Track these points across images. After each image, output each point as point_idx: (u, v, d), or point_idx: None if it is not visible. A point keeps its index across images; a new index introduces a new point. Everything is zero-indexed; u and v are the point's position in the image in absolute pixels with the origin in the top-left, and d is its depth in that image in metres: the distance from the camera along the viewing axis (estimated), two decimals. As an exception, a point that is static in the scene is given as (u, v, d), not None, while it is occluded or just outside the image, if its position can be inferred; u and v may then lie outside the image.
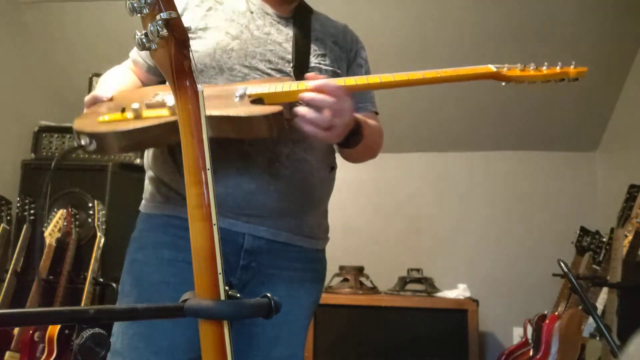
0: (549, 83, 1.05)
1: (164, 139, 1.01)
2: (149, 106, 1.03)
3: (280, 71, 1.15)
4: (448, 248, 3.28)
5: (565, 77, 1.04)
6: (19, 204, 2.64)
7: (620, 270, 2.08)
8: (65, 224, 2.53)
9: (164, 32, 0.66)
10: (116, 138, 0.99)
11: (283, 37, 1.19)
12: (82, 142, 0.98)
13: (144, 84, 1.26)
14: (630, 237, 2.16)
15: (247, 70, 1.14)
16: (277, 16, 1.22)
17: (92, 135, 0.98)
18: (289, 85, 1.04)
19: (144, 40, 0.67)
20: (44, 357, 2.26)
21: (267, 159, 1.10)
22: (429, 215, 3.35)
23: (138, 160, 2.70)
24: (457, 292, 2.77)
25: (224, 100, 1.01)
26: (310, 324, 1.27)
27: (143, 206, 1.22)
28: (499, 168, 3.33)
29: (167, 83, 1.14)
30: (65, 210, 2.53)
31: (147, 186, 1.23)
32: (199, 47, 1.14)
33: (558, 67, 1.03)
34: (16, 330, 2.30)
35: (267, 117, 0.96)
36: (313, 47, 1.21)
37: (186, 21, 0.69)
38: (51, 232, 2.46)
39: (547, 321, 2.54)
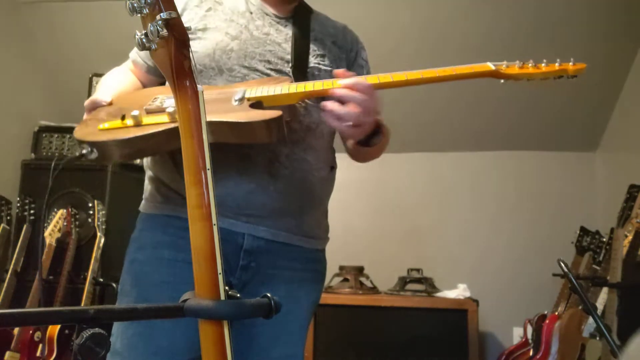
0: (548, 81, 1.05)
1: (164, 145, 1.01)
2: (149, 112, 1.03)
3: (279, 71, 1.15)
4: (448, 248, 3.28)
5: (564, 74, 1.03)
6: (19, 204, 2.65)
7: (620, 270, 2.08)
8: (65, 224, 2.53)
9: (164, 32, 0.66)
10: (117, 146, 0.99)
11: (282, 37, 1.19)
12: (84, 151, 0.98)
13: (144, 84, 1.26)
14: (630, 237, 2.16)
15: (247, 71, 1.14)
16: (277, 16, 1.22)
17: (93, 144, 0.99)
18: (287, 88, 1.04)
19: (144, 40, 0.67)
20: (44, 357, 2.26)
21: (267, 159, 1.10)
22: (429, 215, 3.35)
23: (138, 160, 2.70)
24: (457, 292, 2.77)
25: (222, 104, 1.01)
26: (310, 324, 1.27)
27: (143, 206, 1.22)
28: (499, 168, 3.33)
29: (166, 83, 1.14)
30: (65, 210, 2.53)
31: (147, 186, 1.23)
32: (198, 47, 1.14)
33: (557, 64, 1.03)
34: (16, 330, 2.30)
35: (267, 122, 0.96)
36: (312, 47, 1.21)
37: (185, 22, 0.69)
38: (51, 232, 2.46)
39: (547, 321, 2.54)
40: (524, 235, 3.21)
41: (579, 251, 2.77)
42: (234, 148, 1.08)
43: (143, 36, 0.67)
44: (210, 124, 0.93)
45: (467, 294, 2.77)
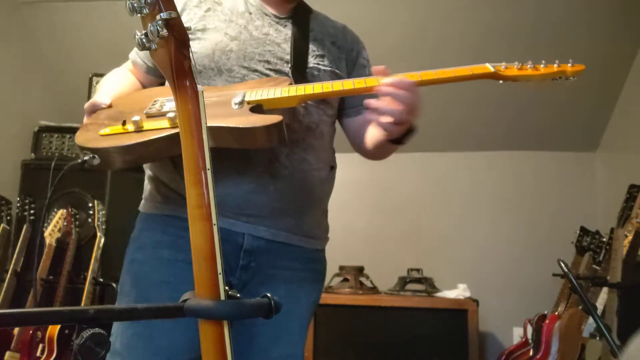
0: (546, 82, 1.05)
1: (166, 151, 1.01)
2: (149, 115, 1.03)
3: (278, 72, 1.15)
4: (448, 248, 3.28)
5: (562, 76, 1.03)
6: (19, 204, 2.65)
7: (620, 270, 2.08)
8: (65, 224, 2.53)
9: (164, 32, 0.66)
10: (119, 153, 0.99)
11: (282, 37, 1.19)
12: (86, 158, 0.98)
13: (144, 85, 1.27)
14: (630, 237, 2.16)
15: (246, 71, 1.14)
16: (276, 17, 1.22)
17: (95, 151, 0.99)
18: (287, 91, 1.03)
19: (144, 40, 0.67)
20: (44, 357, 2.27)
21: (267, 159, 1.10)
22: (429, 215, 3.35)
23: (138, 160, 2.70)
24: (457, 292, 2.76)
25: (222, 108, 1.01)
26: (310, 324, 1.27)
27: (142, 206, 1.22)
28: (499, 168, 3.33)
29: (166, 84, 1.15)
30: (65, 210, 2.53)
31: (147, 186, 1.23)
32: (197, 48, 1.14)
33: (555, 65, 1.03)
34: (16, 330, 2.30)
35: (268, 127, 0.96)
36: (311, 47, 1.21)
37: (184, 22, 0.69)
38: (51, 232, 2.46)
39: (547, 321, 2.54)
40: (524, 235, 3.21)
41: (579, 251, 2.77)
42: (234, 148, 1.08)
43: (143, 36, 0.67)
44: (211, 129, 0.93)
45: (467, 294, 2.77)
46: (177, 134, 0.72)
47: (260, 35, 1.18)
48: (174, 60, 0.69)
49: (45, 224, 2.48)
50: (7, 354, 2.26)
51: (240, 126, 0.96)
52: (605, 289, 2.18)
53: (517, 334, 3.02)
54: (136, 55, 1.27)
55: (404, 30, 2.87)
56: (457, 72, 1.04)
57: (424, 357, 2.60)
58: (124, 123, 1.01)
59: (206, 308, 0.67)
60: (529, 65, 1.04)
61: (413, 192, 3.38)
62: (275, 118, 0.97)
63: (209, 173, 0.70)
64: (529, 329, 2.74)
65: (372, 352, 2.66)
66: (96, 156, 0.98)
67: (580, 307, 2.35)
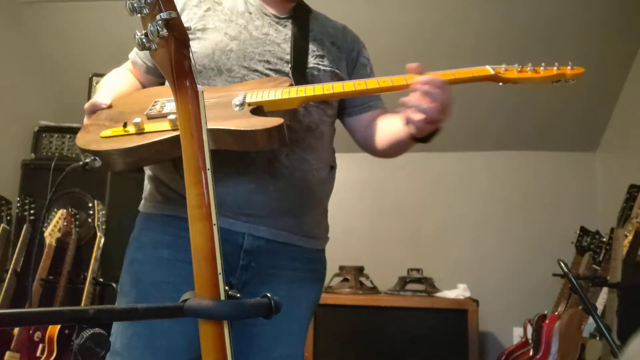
0: (545, 85, 1.05)
1: (167, 154, 1.01)
2: (150, 117, 1.03)
3: (278, 71, 1.15)
4: (448, 248, 3.28)
5: (562, 78, 1.04)
6: (19, 204, 2.65)
7: (620, 270, 2.08)
8: (65, 224, 2.53)
9: (164, 32, 0.66)
10: (120, 155, 0.99)
11: (282, 37, 1.19)
12: (87, 160, 0.98)
13: (143, 85, 1.27)
14: (630, 237, 2.16)
15: (246, 71, 1.14)
16: (276, 16, 1.22)
17: (96, 154, 0.99)
18: (288, 92, 1.03)
19: (144, 40, 0.67)
20: (44, 357, 2.26)
21: (267, 159, 1.10)
22: (429, 215, 3.35)
23: (138, 160, 2.70)
24: (457, 292, 2.77)
25: (223, 109, 1.01)
26: (310, 324, 1.27)
27: (142, 206, 1.22)
28: (499, 168, 3.33)
29: (166, 83, 1.15)
30: (65, 210, 2.53)
31: (147, 186, 1.23)
32: (197, 48, 1.14)
33: (555, 68, 1.03)
34: (16, 330, 2.30)
35: (269, 130, 0.96)
36: (311, 47, 1.21)
37: (184, 22, 0.69)
38: (51, 232, 2.46)
39: (547, 321, 2.54)
40: (524, 236, 3.21)
41: (579, 251, 2.77)
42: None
43: (143, 36, 0.67)
44: (212, 131, 0.93)
45: (467, 294, 2.77)
46: (178, 137, 0.72)
47: (260, 35, 1.18)
48: (174, 60, 0.69)
49: (45, 224, 2.48)
50: (7, 354, 2.26)
51: (241, 129, 0.96)
52: (605, 289, 2.18)
53: (517, 334, 3.02)
54: (136, 55, 1.27)
55: (403, 31, 2.87)
56: (457, 74, 1.04)
57: (424, 357, 2.60)
58: (124, 125, 1.01)
59: (206, 308, 0.67)
60: (528, 68, 1.04)
61: (413, 192, 3.38)
62: (276, 121, 0.97)
63: (209, 173, 0.70)
64: (529, 329, 2.74)
65: (372, 352, 2.66)
66: (97, 158, 0.98)
67: (580, 307, 2.35)
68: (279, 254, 1.16)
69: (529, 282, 3.09)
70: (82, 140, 1.03)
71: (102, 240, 2.49)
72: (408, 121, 1.04)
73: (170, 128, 0.99)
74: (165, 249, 1.12)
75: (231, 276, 1.12)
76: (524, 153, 3.30)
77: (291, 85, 1.08)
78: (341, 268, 2.95)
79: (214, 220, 0.70)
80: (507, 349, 2.86)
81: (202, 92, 0.71)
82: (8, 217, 2.62)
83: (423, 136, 1.09)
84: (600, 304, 2.17)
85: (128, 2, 0.66)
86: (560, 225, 3.07)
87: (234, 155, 1.07)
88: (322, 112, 1.20)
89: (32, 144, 2.84)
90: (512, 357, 2.79)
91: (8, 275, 2.41)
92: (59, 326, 2.28)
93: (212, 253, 0.69)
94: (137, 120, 1.00)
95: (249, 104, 1.01)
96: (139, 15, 0.67)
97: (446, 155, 3.35)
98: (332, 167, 1.26)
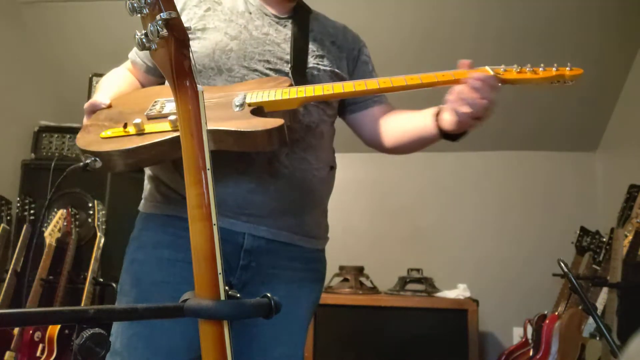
0: (543, 86, 1.05)
1: (168, 154, 1.01)
2: (150, 117, 1.03)
3: (278, 71, 1.15)
4: (448, 248, 3.28)
5: (561, 79, 1.04)
6: (19, 204, 2.65)
7: (620, 270, 2.08)
8: (65, 224, 2.53)
9: (164, 32, 0.66)
10: (120, 156, 0.99)
11: (282, 37, 1.19)
12: (88, 161, 0.98)
13: (143, 85, 1.27)
14: (630, 237, 2.16)
15: (246, 71, 1.14)
16: (276, 16, 1.22)
17: (96, 154, 0.99)
18: (288, 93, 1.03)
19: (144, 40, 0.67)
20: (44, 357, 2.27)
21: (267, 158, 1.10)
22: (429, 215, 3.35)
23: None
24: (457, 292, 2.77)
25: (223, 110, 1.01)
26: (310, 324, 1.27)
27: (142, 206, 1.22)
28: (499, 168, 3.33)
29: (166, 83, 1.15)
30: (65, 210, 2.53)
31: (147, 185, 1.23)
32: (197, 47, 1.14)
33: (554, 69, 1.04)
34: (16, 330, 2.30)
35: (269, 131, 0.96)
36: (311, 47, 1.21)
37: (184, 22, 0.69)
38: (51, 232, 2.46)
39: (547, 321, 2.54)
40: (524, 236, 3.21)
41: (579, 251, 2.77)
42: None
43: (143, 36, 0.67)
44: (212, 132, 0.93)
45: (467, 294, 2.77)
46: (178, 137, 0.72)
47: (260, 35, 1.18)
48: (174, 60, 0.69)
49: (45, 224, 2.48)
50: (7, 354, 2.26)
51: (242, 130, 0.96)
52: (605, 289, 2.18)
53: (517, 334, 3.02)
54: (135, 55, 1.27)
55: (401, 31, 2.87)
56: (457, 75, 1.04)
57: (424, 357, 2.60)
58: (125, 126, 1.01)
59: (206, 308, 0.67)
60: (527, 69, 1.04)
61: (413, 192, 3.38)
62: (276, 122, 0.97)
63: (209, 173, 0.70)
64: (529, 329, 2.74)
65: (372, 352, 2.66)
66: (98, 159, 0.98)
67: (580, 307, 2.35)
68: (279, 253, 1.16)
69: (529, 282, 3.09)
70: (83, 141, 1.03)
71: (102, 240, 2.49)
72: (455, 113, 1.03)
73: (170, 129, 0.99)
74: (166, 248, 1.12)
75: (231, 276, 1.12)
76: (524, 153, 3.29)
77: (291, 85, 1.08)
78: (341, 268, 2.95)
79: (214, 220, 0.70)
80: (507, 349, 2.85)
81: (202, 92, 0.71)
82: (8, 217, 2.62)
83: (456, 133, 1.08)
84: (600, 304, 2.17)
85: (128, 2, 0.66)
86: (560, 225, 3.07)
87: (234, 155, 1.07)
88: (322, 112, 1.20)
89: (32, 144, 2.84)
90: (512, 357, 2.79)
91: (8, 275, 2.41)
92: (59, 326, 2.28)
93: (212, 253, 0.69)
94: (138, 121, 1.00)
95: (249, 105, 1.01)
96: (139, 15, 0.67)
97: (446, 156, 3.35)
98: (332, 167, 1.26)
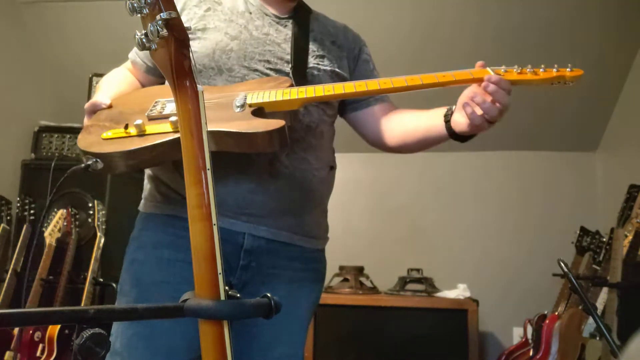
0: (543, 86, 1.06)
1: (169, 155, 1.01)
2: (151, 118, 1.03)
3: (278, 71, 1.15)
4: (448, 248, 3.28)
5: (561, 80, 1.04)
6: (19, 204, 2.65)
7: (620, 270, 2.08)
8: (65, 224, 2.53)
9: (164, 32, 0.66)
10: (122, 158, 0.99)
11: (282, 37, 1.19)
12: (89, 162, 0.98)
13: (143, 85, 1.26)
14: (630, 237, 2.16)
15: (246, 71, 1.14)
16: (276, 16, 1.22)
17: (98, 156, 0.99)
18: (289, 93, 1.03)
19: (144, 40, 0.67)
20: (44, 357, 2.26)
21: (267, 159, 1.10)
22: (429, 215, 3.35)
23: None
24: (457, 292, 2.76)
25: (224, 111, 1.01)
26: (310, 324, 1.27)
27: (142, 206, 1.22)
28: (499, 168, 3.32)
29: (166, 83, 1.15)
30: (65, 210, 2.53)
31: (147, 185, 1.23)
32: (197, 47, 1.14)
33: (554, 70, 1.04)
34: (16, 330, 2.30)
35: (270, 133, 0.96)
36: (311, 47, 1.21)
37: (184, 22, 0.69)
38: (51, 232, 2.46)
39: (547, 321, 2.54)
40: (524, 236, 3.21)
41: (579, 251, 2.77)
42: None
43: (143, 36, 0.67)
44: (212, 134, 0.93)
45: (467, 294, 2.77)
46: (179, 139, 0.72)
47: (260, 35, 1.18)
48: (174, 60, 0.69)
49: (45, 224, 2.48)
50: (7, 354, 2.26)
51: (243, 131, 0.96)
52: (605, 289, 2.18)
53: (517, 334, 3.02)
54: (135, 55, 1.27)
55: (399, 31, 2.87)
56: (457, 76, 1.04)
57: (424, 357, 2.60)
58: (126, 126, 1.01)
59: (206, 308, 0.67)
60: (528, 70, 1.04)
61: (413, 192, 3.38)
62: (277, 123, 0.96)
63: (209, 173, 0.70)
64: (529, 329, 2.74)
65: (372, 352, 2.66)
66: (99, 160, 0.98)
67: (580, 307, 2.35)
68: (279, 253, 1.16)
69: (529, 282, 3.09)
70: (84, 142, 1.03)
71: (102, 240, 2.49)
72: (467, 116, 1.03)
73: (171, 130, 0.98)
74: (166, 248, 1.12)
75: (231, 276, 1.12)
76: (524, 153, 3.29)
77: (291, 85, 1.08)
78: (341, 268, 2.95)
79: (214, 220, 0.70)
80: (507, 349, 2.85)
81: (202, 92, 0.71)
82: (8, 217, 2.62)
83: (467, 134, 1.09)
84: (600, 304, 2.17)
85: (128, 2, 0.66)
86: (560, 225, 3.07)
87: (234, 155, 1.07)
88: (322, 112, 1.20)
89: (32, 144, 2.84)
90: (512, 357, 2.79)
91: (8, 275, 2.41)
92: (59, 326, 2.28)
93: (212, 253, 0.69)
94: (139, 122, 1.00)
95: (250, 105, 1.01)
96: (139, 15, 0.67)
97: (446, 156, 3.35)
98: (332, 167, 1.26)
